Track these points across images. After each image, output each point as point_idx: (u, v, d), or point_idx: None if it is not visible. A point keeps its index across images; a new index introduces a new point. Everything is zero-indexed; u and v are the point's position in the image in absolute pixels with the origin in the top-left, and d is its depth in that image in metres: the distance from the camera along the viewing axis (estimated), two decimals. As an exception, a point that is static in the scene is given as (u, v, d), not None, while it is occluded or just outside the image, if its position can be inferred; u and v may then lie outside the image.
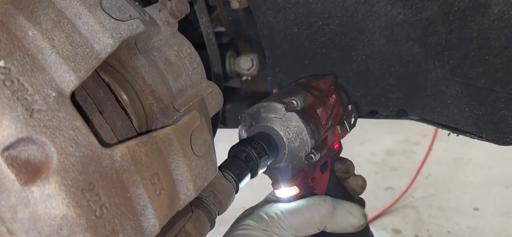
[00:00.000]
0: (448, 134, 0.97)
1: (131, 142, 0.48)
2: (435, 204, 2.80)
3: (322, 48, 0.98)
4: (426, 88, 0.94)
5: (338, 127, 0.88)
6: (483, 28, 0.84)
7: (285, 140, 0.78)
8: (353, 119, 0.92)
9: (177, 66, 0.59)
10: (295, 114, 0.77)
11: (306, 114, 0.78)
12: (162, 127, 0.53)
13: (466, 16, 0.84)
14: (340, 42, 0.96)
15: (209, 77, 0.74)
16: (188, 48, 0.61)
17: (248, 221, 0.74)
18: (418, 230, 2.61)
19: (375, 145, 3.56)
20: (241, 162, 0.71)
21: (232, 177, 0.68)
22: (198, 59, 0.62)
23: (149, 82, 0.55)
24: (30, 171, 0.41)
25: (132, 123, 0.54)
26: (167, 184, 0.51)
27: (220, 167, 0.70)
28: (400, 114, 1.00)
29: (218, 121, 1.06)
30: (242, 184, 0.69)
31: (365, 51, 0.96)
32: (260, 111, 0.80)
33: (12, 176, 0.40)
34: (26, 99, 0.41)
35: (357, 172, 0.94)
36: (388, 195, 2.91)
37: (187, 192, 0.53)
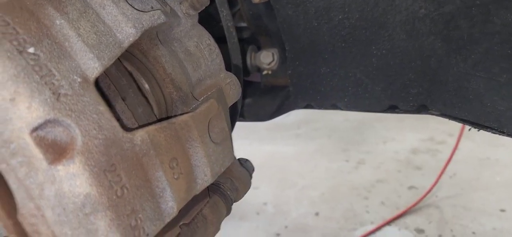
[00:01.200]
0: (469, 129, 0.96)
1: (151, 127, 0.50)
2: (460, 204, 2.74)
3: (342, 42, 0.98)
4: (447, 83, 0.93)
5: None
6: (507, 22, 0.83)
7: None
8: None
9: (196, 56, 0.61)
10: None
11: None
12: (181, 114, 0.55)
13: (489, 10, 0.83)
14: (360, 36, 0.96)
15: (229, 70, 0.76)
16: (207, 39, 0.63)
17: None
18: (442, 230, 2.56)
19: (398, 144, 3.51)
20: None
21: None
22: (217, 50, 0.64)
23: (169, 71, 0.57)
24: (56, 151, 0.43)
25: (152, 110, 0.56)
26: (185, 168, 0.53)
27: None
28: (421, 109, 0.99)
29: (237, 114, 1.08)
30: None
31: (385, 45, 0.95)
32: None
33: (40, 155, 0.42)
34: (53, 83, 0.44)
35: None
36: (411, 194, 2.88)
37: (204, 177, 0.55)
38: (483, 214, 2.66)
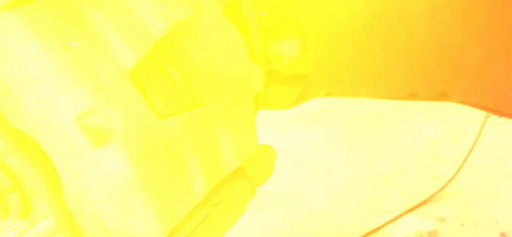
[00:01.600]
0: (489, 117, 0.97)
1: (183, 115, 0.54)
2: (483, 193, 2.72)
3: (362, 30, 1.00)
4: (466, 71, 0.94)
5: None
6: (527, 9, 0.83)
7: None
8: None
9: (222, 46, 0.64)
10: None
11: None
12: (209, 102, 0.59)
13: (509, -3, 0.84)
14: (380, 25, 0.98)
15: (252, 59, 0.79)
16: (232, 30, 0.67)
17: None
18: (464, 219, 2.55)
19: (421, 132, 3.48)
20: None
21: None
22: (241, 41, 0.68)
23: (197, 61, 0.61)
24: (98, 136, 0.47)
25: (183, 98, 0.60)
26: (214, 153, 0.56)
27: None
28: (441, 96, 1.00)
29: (260, 102, 1.11)
30: None
31: (405, 34, 0.97)
32: None
33: (84, 140, 0.47)
34: (95, 74, 0.48)
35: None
36: (433, 183, 2.86)
37: (230, 161, 0.59)
38: (506, 202, 2.63)
